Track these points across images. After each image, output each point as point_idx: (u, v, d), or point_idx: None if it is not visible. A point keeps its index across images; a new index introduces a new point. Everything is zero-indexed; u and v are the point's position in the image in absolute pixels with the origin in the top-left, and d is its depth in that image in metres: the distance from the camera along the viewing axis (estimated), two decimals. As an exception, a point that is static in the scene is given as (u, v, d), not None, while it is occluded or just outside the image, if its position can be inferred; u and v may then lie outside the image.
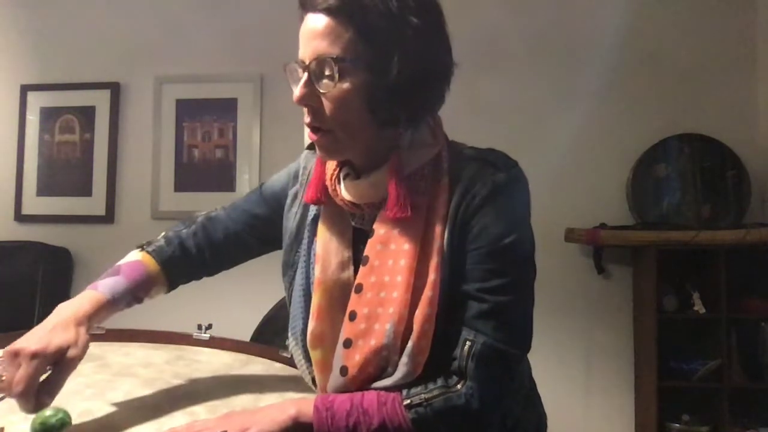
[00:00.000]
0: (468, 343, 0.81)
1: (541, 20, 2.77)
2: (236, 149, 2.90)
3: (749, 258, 2.42)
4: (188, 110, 2.93)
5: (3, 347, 1.20)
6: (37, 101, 3.03)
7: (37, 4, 3.07)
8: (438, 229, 0.83)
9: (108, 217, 2.94)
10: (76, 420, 0.83)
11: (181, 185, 2.92)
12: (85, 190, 2.97)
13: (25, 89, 3.03)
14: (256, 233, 1.06)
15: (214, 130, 2.92)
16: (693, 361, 2.40)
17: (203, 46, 2.91)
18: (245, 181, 2.87)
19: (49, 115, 3.02)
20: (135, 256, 1.04)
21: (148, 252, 1.04)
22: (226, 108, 2.89)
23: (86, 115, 2.99)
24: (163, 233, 1.09)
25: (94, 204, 2.95)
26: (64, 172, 2.99)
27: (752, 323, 2.42)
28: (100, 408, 0.91)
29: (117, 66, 2.99)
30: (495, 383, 0.82)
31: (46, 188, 3.00)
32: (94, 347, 1.27)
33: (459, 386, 0.80)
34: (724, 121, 2.64)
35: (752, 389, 2.40)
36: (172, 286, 1.06)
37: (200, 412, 0.92)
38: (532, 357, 0.93)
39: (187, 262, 1.06)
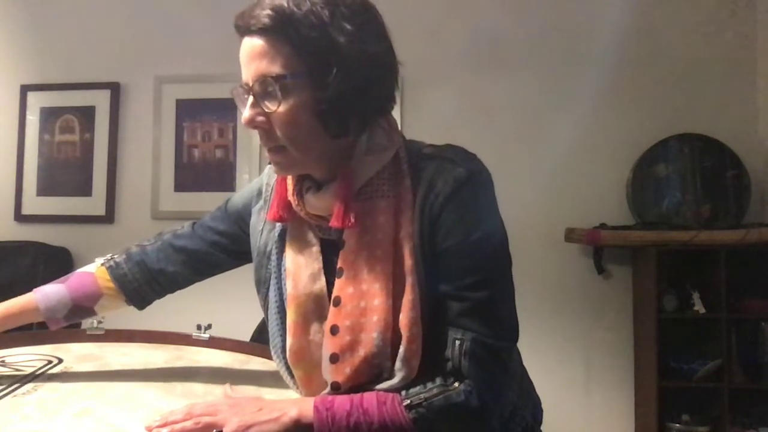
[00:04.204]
0: (458, 342, 0.81)
1: (541, 20, 2.76)
2: (236, 149, 2.90)
3: (749, 258, 2.41)
4: (188, 110, 2.93)
5: (2, 347, 1.21)
6: (37, 101, 3.02)
7: (37, 4, 3.07)
8: (407, 231, 0.83)
9: (108, 217, 2.94)
10: (75, 419, 0.83)
11: (181, 185, 2.92)
12: (85, 190, 2.97)
13: (25, 89, 3.03)
14: (223, 249, 1.08)
15: (214, 130, 2.92)
16: (693, 361, 2.40)
17: (203, 46, 2.90)
18: (245, 181, 2.86)
19: (49, 115, 3.02)
20: (91, 267, 1.11)
21: (105, 267, 1.10)
22: (226, 108, 2.89)
23: (86, 115, 2.99)
24: (128, 247, 1.13)
25: (94, 204, 2.95)
26: (64, 172, 2.99)
27: (752, 323, 2.41)
28: (100, 407, 0.91)
29: (117, 66, 2.99)
30: (491, 378, 0.82)
31: (46, 188, 3.00)
32: (94, 347, 1.28)
33: (457, 384, 0.80)
34: (724, 121, 2.64)
35: (752, 389, 2.40)
36: (137, 301, 1.11)
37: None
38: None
39: (146, 279, 1.09)
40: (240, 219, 1.06)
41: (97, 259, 1.13)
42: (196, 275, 1.12)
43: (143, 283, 1.09)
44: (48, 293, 1.07)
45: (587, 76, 2.71)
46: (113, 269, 1.09)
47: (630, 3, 2.71)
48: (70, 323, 1.09)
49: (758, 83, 2.66)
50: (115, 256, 1.11)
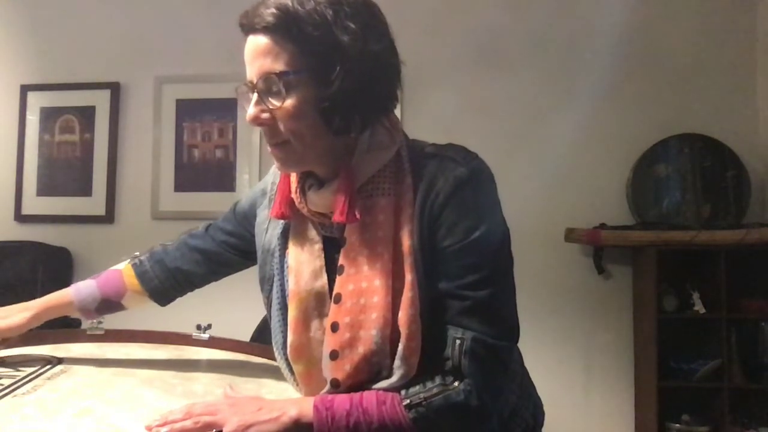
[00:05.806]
0: (458, 341, 0.81)
1: (541, 20, 2.76)
2: (236, 149, 2.90)
3: (749, 258, 2.41)
4: (188, 110, 2.93)
5: (2, 347, 1.21)
6: (37, 101, 3.03)
7: (37, 4, 3.07)
8: (407, 229, 0.83)
9: (108, 217, 2.94)
10: (75, 419, 0.83)
11: (181, 185, 2.92)
12: (85, 190, 2.97)
13: (25, 89, 3.03)
14: (233, 249, 1.13)
15: (214, 130, 2.92)
16: (693, 361, 2.40)
17: (203, 46, 2.90)
18: (245, 181, 2.87)
19: (49, 115, 3.02)
20: (121, 264, 1.19)
21: (131, 264, 1.17)
22: (226, 108, 2.89)
23: (86, 115, 2.99)
24: (153, 246, 1.19)
25: (94, 204, 2.95)
26: (64, 172, 2.99)
27: (752, 323, 2.42)
28: (100, 407, 0.91)
29: (117, 66, 2.99)
30: (491, 377, 0.82)
31: (46, 188, 3.00)
32: (94, 347, 1.28)
33: (457, 384, 0.80)
34: (724, 121, 2.64)
35: (752, 389, 2.40)
36: (158, 297, 1.17)
37: (199, 412, 0.91)
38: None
39: (166, 277, 1.15)
40: (246, 219, 1.08)
41: (124, 258, 1.20)
42: (210, 274, 1.17)
43: (164, 281, 1.15)
44: (80, 288, 1.16)
45: (587, 76, 2.71)
46: (137, 267, 1.16)
47: (630, 3, 2.71)
48: (102, 315, 1.20)
49: (758, 83, 2.66)
50: (144, 254, 1.18)
